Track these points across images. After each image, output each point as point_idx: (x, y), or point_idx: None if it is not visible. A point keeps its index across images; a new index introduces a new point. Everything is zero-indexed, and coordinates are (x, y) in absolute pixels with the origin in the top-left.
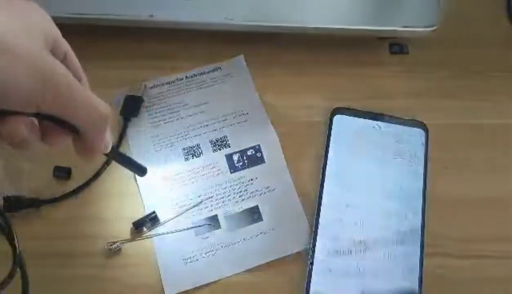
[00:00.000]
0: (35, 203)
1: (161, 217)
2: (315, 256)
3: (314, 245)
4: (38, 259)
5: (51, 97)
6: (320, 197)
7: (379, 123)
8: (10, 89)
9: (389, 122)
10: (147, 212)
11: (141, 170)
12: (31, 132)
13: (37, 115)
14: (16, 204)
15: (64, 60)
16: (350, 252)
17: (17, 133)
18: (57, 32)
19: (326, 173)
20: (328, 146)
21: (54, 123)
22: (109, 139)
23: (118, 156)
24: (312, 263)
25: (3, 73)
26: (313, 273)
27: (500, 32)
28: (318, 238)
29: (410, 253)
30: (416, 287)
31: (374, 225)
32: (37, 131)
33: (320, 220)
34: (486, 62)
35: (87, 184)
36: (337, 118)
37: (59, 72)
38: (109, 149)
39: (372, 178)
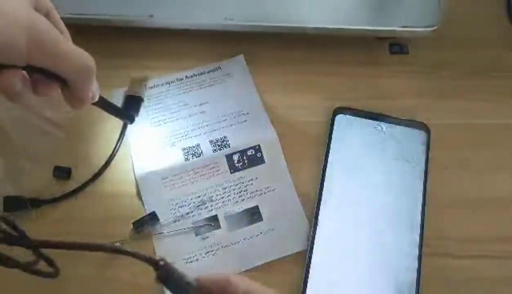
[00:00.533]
0: (35, 203)
1: (161, 217)
2: (312, 256)
3: (312, 246)
4: None
5: (38, 51)
6: (320, 198)
7: (381, 123)
8: (1, 45)
9: (391, 123)
10: (147, 212)
11: (129, 118)
12: (24, 85)
13: (27, 68)
14: (16, 204)
15: (47, 16)
16: (348, 250)
17: (12, 85)
18: None
19: (326, 173)
20: (329, 145)
21: (43, 75)
22: (96, 89)
23: (106, 105)
24: (309, 265)
25: None
26: (310, 272)
27: (500, 32)
28: (316, 237)
29: (409, 248)
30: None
31: (375, 223)
32: (28, 84)
33: (319, 220)
34: (486, 62)
35: (87, 184)
36: (339, 118)
37: (44, 28)
38: (96, 98)
39: (372, 178)
